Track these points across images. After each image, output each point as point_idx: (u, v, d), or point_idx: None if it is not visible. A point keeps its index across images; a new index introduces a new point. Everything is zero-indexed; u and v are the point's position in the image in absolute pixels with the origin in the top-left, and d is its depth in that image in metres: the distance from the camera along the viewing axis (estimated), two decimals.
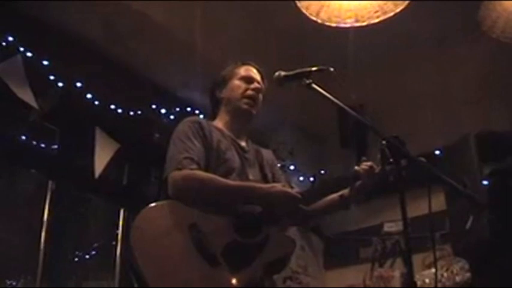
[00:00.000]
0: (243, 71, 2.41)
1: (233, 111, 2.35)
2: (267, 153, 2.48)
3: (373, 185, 2.24)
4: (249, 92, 2.34)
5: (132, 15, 4.33)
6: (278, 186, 2.11)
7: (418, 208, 3.05)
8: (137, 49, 4.75)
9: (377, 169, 2.21)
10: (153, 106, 5.01)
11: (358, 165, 2.22)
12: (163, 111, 5.05)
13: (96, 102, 4.54)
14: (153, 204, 2.01)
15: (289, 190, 2.12)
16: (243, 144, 2.35)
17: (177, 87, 5.27)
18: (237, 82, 2.38)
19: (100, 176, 4.46)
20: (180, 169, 2.02)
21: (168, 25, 4.57)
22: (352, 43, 5.01)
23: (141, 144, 4.87)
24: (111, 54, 4.76)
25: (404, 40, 5.64)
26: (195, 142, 2.13)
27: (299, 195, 2.10)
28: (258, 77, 2.43)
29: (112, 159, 4.57)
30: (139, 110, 4.84)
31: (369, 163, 2.22)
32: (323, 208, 2.29)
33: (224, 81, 2.40)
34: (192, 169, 2.04)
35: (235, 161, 2.23)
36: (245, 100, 2.34)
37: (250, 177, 2.23)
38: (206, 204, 2.00)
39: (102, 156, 4.50)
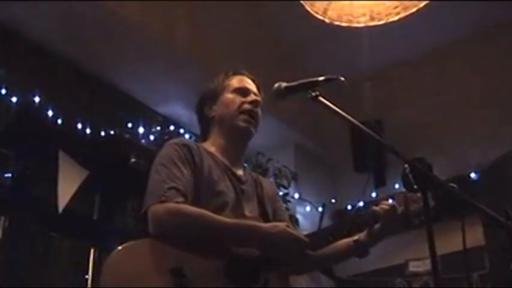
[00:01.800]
0: (236, 82, 2.40)
1: (228, 132, 2.34)
2: (267, 184, 2.46)
3: (395, 229, 2.25)
4: (246, 106, 2.32)
5: (103, 16, 4.33)
6: (281, 225, 2.09)
7: (450, 244, 3.03)
8: (109, 57, 4.76)
9: (399, 209, 2.22)
10: (129, 125, 5.00)
11: (377, 203, 2.23)
12: (140, 130, 5.04)
13: (59, 121, 4.50)
14: (128, 243, 1.99)
15: (295, 232, 2.09)
16: (240, 173, 2.32)
17: (158, 101, 5.27)
18: (230, 96, 2.36)
19: (65, 210, 4.42)
20: (163, 201, 2.01)
21: (146, 28, 4.59)
22: (367, 46, 5.02)
23: (114, 171, 4.84)
24: (77, 62, 4.76)
25: (431, 40, 5.70)
26: (183, 169, 2.11)
27: (306, 239, 2.08)
28: (254, 88, 2.42)
29: (79, 189, 4.55)
30: (111, 129, 4.82)
31: (390, 202, 2.23)
32: (334, 254, 2.29)
33: (214, 96, 2.38)
34: (178, 202, 2.02)
35: (229, 193, 2.21)
36: (242, 116, 2.32)
37: (247, 213, 2.21)
38: (193, 244, 1.98)
39: (67, 186, 4.47)
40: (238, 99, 2.34)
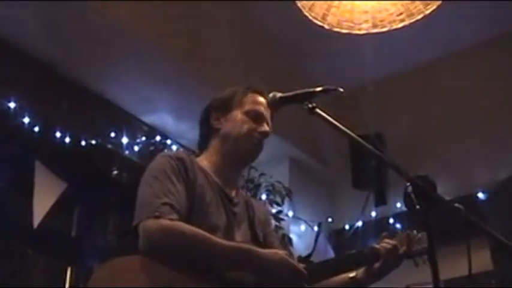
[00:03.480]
0: (251, 102, 2.40)
1: (230, 151, 2.35)
2: (259, 207, 2.48)
3: (395, 267, 2.31)
4: (257, 136, 2.35)
5: (88, 17, 4.32)
6: (281, 254, 2.11)
7: (455, 268, 3.03)
8: (93, 61, 4.74)
9: (401, 250, 2.26)
10: (112, 134, 4.98)
11: (377, 242, 2.27)
12: (124, 140, 5.02)
13: (36, 129, 4.50)
14: (116, 259, 1.99)
15: (294, 262, 2.12)
16: (232, 194, 2.35)
17: (143, 109, 5.26)
18: (242, 117, 2.37)
19: (40, 225, 4.39)
20: (157, 217, 2.02)
21: (134, 32, 4.57)
22: (368, 55, 5.04)
23: (95, 184, 4.82)
24: (57, 65, 4.73)
25: (436, 49, 5.72)
26: (176, 184, 2.13)
27: (304, 271, 2.11)
28: (267, 114, 2.42)
29: (57, 203, 4.52)
30: (93, 138, 4.81)
31: (392, 242, 2.27)
32: None
33: (225, 109, 2.39)
34: (172, 219, 2.03)
35: (221, 216, 2.22)
36: (250, 140, 2.34)
37: (238, 237, 2.23)
38: (186, 265, 1.98)
39: (44, 199, 4.45)
40: (250, 124, 2.35)
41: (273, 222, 5.22)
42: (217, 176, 2.31)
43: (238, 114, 2.37)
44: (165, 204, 2.05)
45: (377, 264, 2.29)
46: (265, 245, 2.30)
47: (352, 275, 2.31)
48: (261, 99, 2.43)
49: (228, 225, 2.22)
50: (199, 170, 2.25)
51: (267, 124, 2.39)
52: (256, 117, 2.37)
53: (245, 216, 2.35)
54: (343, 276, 2.30)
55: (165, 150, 5.10)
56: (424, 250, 2.25)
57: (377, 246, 2.29)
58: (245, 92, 2.42)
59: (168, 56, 4.78)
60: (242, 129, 2.34)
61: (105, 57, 4.70)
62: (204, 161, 2.34)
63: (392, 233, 2.41)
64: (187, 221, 2.08)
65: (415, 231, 2.35)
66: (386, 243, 2.28)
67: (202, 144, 2.42)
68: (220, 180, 2.31)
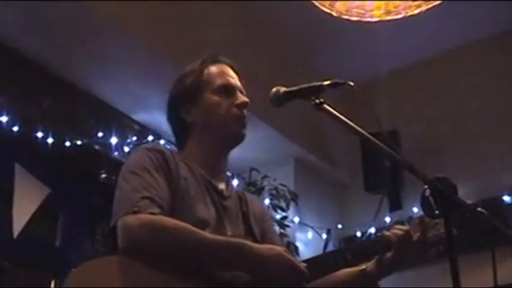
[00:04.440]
0: (216, 77, 2.39)
1: (214, 139, 2.34)
2: (254, 201, 2.45)
3: (409, 259, 2.25)
4: (236, 111, 2.33)
5: (74, 8, 4.32)
6: (278, 249, 2.07)
7: (478, 279, 3.02)
8: (79, 55, 4.75)
9: (415, 236, 2.21)
10: (99, 134, 4.98)
11: (389, 228, 2.23)
12: (113, 140, 5.01)
13: (16, 128, 4.50)
14: (92, 261, 1.98)
15: (293, 258, 2.07)
16: (221, 186, 2.32)
17: (134, 107, 5.26)
18: (214, 98, 2.34)
19: (21, 234, 4.39)
20: (136, 212, 1.99)
21: (123, 24, 4.59)
22: (381, 44, 5.04)
23: (81, 188, 4.84)
24: (39, 59, 4.74)
25: (455, 37, 5.71)
26: (157, 178, 2.11)
27: (305, 269, 2.07)
28: (237, 81, 2.41)
29: (39, 210, 4.52)
30: (78, 139, 4.80)
31: (404, 228, 2.22)
32: (335, 286, 2.27)
33: (192, 96, 2.37)
34: (153, 213, 2.00)
35: (210, 211, 2.19)
36: (233, 120, 2.33)
37: (230, 234, 2.19)
38: (170, 263, 1.95)
39: (25, 206, 4.44)
40: (225, 101, 2.34)
41: (277, 228, 5.27)
42: (202, 167, 2.29)
43: (209, 97, 2.34)
44: (144, 198, 2.02)
45: (388, 254, 2.23)
46: (263, 242, 2.26)
47: (362, 267, 2.26)
48: (223, 67, 2.42)
49: (218, 221, 2.19)
50: (181, 163, 2.23)
51: (241, 92, 2.38)
52: (228, 90, 2.36)
53: (238, 211, 2.32)
54: (351, 269, 2.26)
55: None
56: (441, 237, 2.18)
57: (387, 233, 2.24)
58: (205, 69, 2.40)
59: (160, 50, 4.79)
60: (219, 111, 2.32)
61: (92, 51, 4.71)
62: (186, 157, 2.31)
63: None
64: (171, 217, 2.05)
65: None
66: (398, 229, 2.22)
67: (181, 143, 2.40)
68: (206, 171, 2.29)
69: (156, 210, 2.01)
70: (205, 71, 2.39)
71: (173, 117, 2.41)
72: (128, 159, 2.22)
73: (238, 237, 2.15)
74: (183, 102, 2.37)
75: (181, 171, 2.19)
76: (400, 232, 2.22)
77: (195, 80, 2.38)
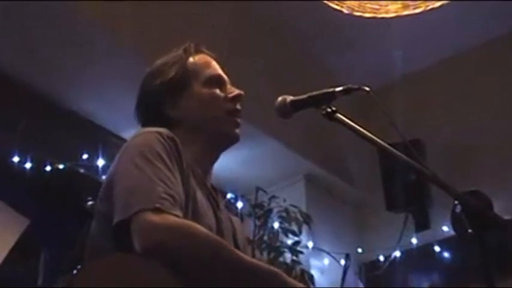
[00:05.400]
0: (204, 67, 2.38)
1: (208, 138, 2.31)
2: (238, 224, 2.45)
3: None
4: (231, 106, 2.33)
5: (53, 14, 4.33)
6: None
7: None
8: (60, 68, 4.75)
9: None
10: (84, 156, 4.99)
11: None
12: (100, 163, 5.00)
13: None
14: (108, 257, 1.89)
15: None
16: (217, 196, 2.32)
17: (123, 124, 5.23)
18: (205, 91, 2.32)
19: None
20: (158, 210, 1.91)
21: (109, 29, 4.59)
22: (399, 43, 5.04)
23: (65, 218, 4.82)
24: (14, 73, 4.74)
25: (481, 33, 5.71)
26: (173, 171, 2.04)
27: None
28: (223, 74, 2.42)
29: (17, 245, 4.50)
30: (61, 162, 4.82)
31: None
32: None
33: (179, 89, 2.33)
34: (178, 216, 1.93)
35: (212, 219, 2.18)
36: (231, 119, 2.32)
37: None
38: (197, 278, 1.89)
39: (1, 241, 4.45)
40: (217, 94, 2.33)
41: (289, 255, 5.24)
42: (197, 168, 2.26)
43: (199, 90, 2.32)
44: (166, 193, 1.95)
45: None
46: None
47: None
48: (208, 58, 2.43)
49: (219, 234, 2.15)
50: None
51: (231, 85, 2.39)
52: (219, 82, 2.36)
53: (229, 228, 2.31)
54: None
55: None
56: None
57: None
58: (189, 57, 2.39)
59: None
60: (213, 105, 2.31)
61: (75, 63, 4.72)
62: None
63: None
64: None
65: None
66: None
67: None
68: (204, 176, 2.28)
69: (179, 212, 1.95)
70: (191, 60, 2.38)
71: (153, 113, 2.33)
72: (135, 140, 2.11)
73: None
74: (168, 95, 2.32)
75: (187, 168, 2.14)
76: None
77: (180, 70, 2.35)
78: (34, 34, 4.47)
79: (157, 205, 1.90)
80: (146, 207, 1.90)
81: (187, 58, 2.38)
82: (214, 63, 2.41)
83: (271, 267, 2.03)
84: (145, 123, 2.33)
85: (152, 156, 2.01)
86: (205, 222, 2.09)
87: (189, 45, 2.43)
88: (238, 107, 2.34)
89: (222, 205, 2.32)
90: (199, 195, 2.15)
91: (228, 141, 2.35)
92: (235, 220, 2.44)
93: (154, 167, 1.99)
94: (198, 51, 2.42)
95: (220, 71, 2.40)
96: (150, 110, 2.34)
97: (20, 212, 4.58)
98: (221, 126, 2.31)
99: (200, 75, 2.34)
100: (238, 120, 2.34)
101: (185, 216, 2.01)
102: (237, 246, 2.27)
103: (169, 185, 1.97)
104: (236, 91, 2.36)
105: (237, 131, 2.33)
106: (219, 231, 2.17)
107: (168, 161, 2.03)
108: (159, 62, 2.41)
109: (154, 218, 1.89)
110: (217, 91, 2.33)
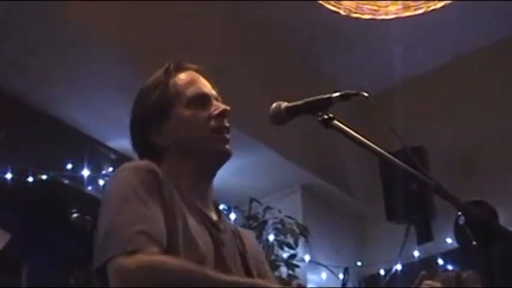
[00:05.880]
0: (186, 86, 2.37)
1: (196, 162, 2.33)
2: (248, 238, 2.45)
3: None
4: (215, 124, 2.32)
5: (35, 14, 4.33)
6: None
7: None
8: (42, 73, 4.75)
9: None
10: (68, 166, 4.98)
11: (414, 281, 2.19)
12: (85, 173, 5.01)
13: None
14: None
15: None
16: (214, 217, 2.32)
17: (110, 133, 5.24)
18: (188, 113, 2.32)
19: None
20: (131, 252, 1.95)
21: (94, 31, 4.59)
22: (399, 46, 5.04)
23: (48, 231, 4.82)
24: None
25: (486, 35, 5.72)
26: (152, 206, 2.08)
27: None
28: (209, 88, 2.40)
29: None
30: (43, 173, 4.80)
31: (435, 284, 2.18)
32: None
33: (161, 114, 2.34)
34: (152, 252, 1.97)
35: (208, 245, 2.18)
36: (216, 136, 2.32)
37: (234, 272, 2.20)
38: None
39: None
40: (201, 114, 2.32)
41: (285, 270, 5.24)
42: (191, 194, 2.28)
43: (182, 113, 2.32)
44: (140, 233, 1.98)
45: None
46: None
47: None
48: (191, 74, 2.41)
49: (217, 258, 2.17)
50: (173, 187, 2.20)
51: (217, 100, 2.37)
52: (202, 101, 2.35)
53: (235, 247, 2.31)
54: None
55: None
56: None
57: None
58: (170, 79, 2.38)
59: (140, 67, 4.78)
60: (196, 126, 2.31)
61: (59, 69, 4.74)
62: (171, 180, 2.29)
63: (434, 272, 2.35)
64: (171, 254, 2.04)
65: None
66: (428, 285, 2.18)
67: None
68: (198, 199, 2.28)
69: (155, 248, 1.98)
70: (172, 82, 2.37)
71: (141, 141, 2.37)
72: (113, 179, 2.19)
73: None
74: (151, 122, 2.34)
75: (174, 196, 2.17)
76: None
77: (161, 94, 2.35)
78: (15, 41, 4.48)
79: (130, 248, 1.95)
80: (118, 251, 1.95)
81: (167, 81, 2.37)
82: (197, 80, 2.41)
83: (255, 281, 2.10)
84: (138, 153, 2.38)
85: (130, 194, 2.07)
86: (198, 249, 2.11)
87: (169, 66, 2.42)
88: (226, 123, 2.33)
89: (224, 225, 2.33)
90: (192, 222, 2.16)
91: (219, 159, 2.34)
92: (246, 235, 2.45)
93: (129, 207, 2.05)
94: (179, 70, 2.41)
95: (203, 88, 2.39)
96: (137, 139, 2.38)
97: (0, 226, 4.55)
98: (209, 146, 2.31)
99: (182, 97, 2.34)
100: (227, 136, 2.33)
101: (171, 247, 2.05)
102: (245, 263, 2.30)
103: (145, 222, 2.02)
104: (221, 107, 2.34)
105: (227, 146, 2.32)
106: (218, 254, 2.18)
107: (145, 197, 2.07)
108: (142, 86, 2.42)
109: (127, 261, 1.94)
110: (201, 111, 2.33)
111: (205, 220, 2.24)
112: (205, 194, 2.33)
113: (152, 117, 2.34)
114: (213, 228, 2.25)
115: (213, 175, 2.37)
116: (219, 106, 2.35)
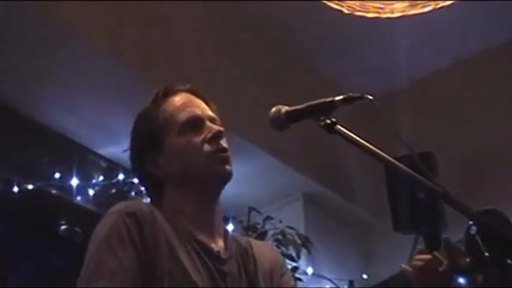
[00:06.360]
0: (177, 112, 2.38)
1: (193, 190, 2.35)
2: (262, 252, 2.44)
3: None
4: (210, 148, 2.33)
5: (22, 15, 4.34)
6: None
7: None
8: (28, 77, 4.75)
9: (445, 264, 2.17)
10: (56, 175, 4.99)
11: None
12: (74, 182, 5.02)
13: None
14: None
15: None
16: (218, 247, 2.32)
17: (101, 140, 5.24)
18: (180, 140, 2.34)
19: None
20: None
21: (84, 32, 4.60)
22: (406, 46, 5.05)
23: (35, 244, 4.82)
24: None
25: (498, 35, 5.74)
26: (122, 257, 2.12)
27: None
28: (204, 108, 2.41)
29: None
30: (29, 182, 4.81)
31: (426, 257, 2.19)
32: None
33: (155, 145, 2.36)
34: None
35: (202, 281, 2.18)
36: (214, 159, 2.32)
37: None
38: None
39: None
40: (194, 140, 2.32)
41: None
42: (191, 225, 2.29)
43: (175, 142, 2.34)
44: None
45: None
46: None
47: None
48: (182, 96, 2.42)
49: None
50: (164, 222, 2.22)
51: (212, 121, 2.38)
52: (195, 125, 2.35)
53: (241, 274, 2.31)
54: None
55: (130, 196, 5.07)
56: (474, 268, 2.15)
57: (405, 267, 2.22)
58: (160, 107, 2.40)
59: (131, 71, 4.79)
60: (190, 154, 2.32)
61: (45, 72, 4.73)
62: (168, 213, 2.30)
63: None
64: None
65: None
66: (419, 260, 2.20)
67: (156, 201, 2.38)
68: (197, 230, 2.29)
69: None
70: (161, 109, 2.38)
71: (140, 174, 2.40)
72: (99, 223, 2.20)
73: None
74: (147, 154, 2.35)
75: (160, 236, 2.18)
76: (421, 263, 2.19)
77: (153, 124, 2.37)
78: (8, 42, 4.48)
79: None
80: None
81: (157, 109, 2.39)
82: (188, 102, 2.42)
83: None
84: (142, 185, 2.45)
85: (102, 244, 2.12)
86: (193, 284, 2.13)
87: (158, 92, 2.43)
88: (222, 144, 2.34)
89: (230, 252, 2.33)
90: (184, 256, 2.18)
91: (218, 180, 2.35)
92: (261, 251, 2.44)
93: (98, 259, 2.09)
94: (169, 94, 2.42)
95: (195, 111, 2.39)
96: (137, 173, 2.42)
97: None
98: (205, 170, 2.32)
99: (173, 124, 2.35)
100: (225, 154, 2.34)
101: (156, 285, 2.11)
102: (253, 284, 2.31)
103: (107, 275, 2.06)
104: (215, 129, 2.35)
105: (227, 166, 2.33)
106: (216, 285, 2.21)
107: (117, 247, 2.11)
108: (136, 116, 2.45)
109: None
110: (194, 136, 2.33)
111: (205, 253, 2.25)
112: (211, 220, 2.34)
113: (146, 148, 2.36)
114: (213, 260, 2.25)
115: (215, 199, 2.38)
116: (212, 128, 2.35)
